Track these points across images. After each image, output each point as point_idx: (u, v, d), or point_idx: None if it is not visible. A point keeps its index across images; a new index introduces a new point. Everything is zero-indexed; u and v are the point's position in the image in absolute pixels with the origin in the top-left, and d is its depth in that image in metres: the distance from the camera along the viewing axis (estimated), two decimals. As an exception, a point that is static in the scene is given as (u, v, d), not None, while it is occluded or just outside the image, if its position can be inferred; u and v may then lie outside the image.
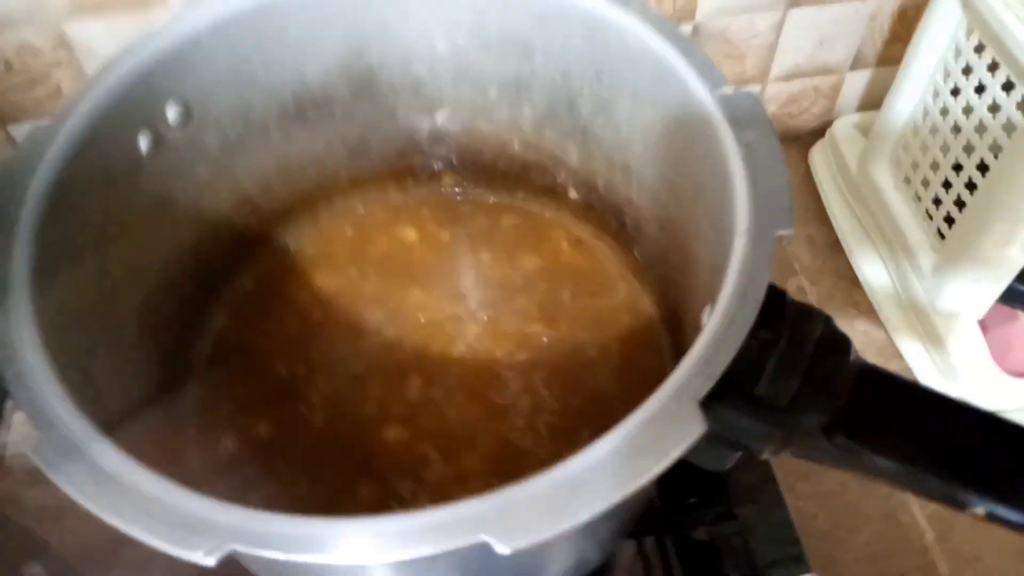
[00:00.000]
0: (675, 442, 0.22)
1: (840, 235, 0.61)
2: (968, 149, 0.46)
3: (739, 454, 0.27)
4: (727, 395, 0.24)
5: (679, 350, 0.37)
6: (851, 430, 0.24)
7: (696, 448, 0.25)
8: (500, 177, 0.43)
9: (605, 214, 0.41)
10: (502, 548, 0.21)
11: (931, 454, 0.24)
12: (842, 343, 0.25)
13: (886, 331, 0.57)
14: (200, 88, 0.34)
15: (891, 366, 0.55)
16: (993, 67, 0.43)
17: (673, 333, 0.38)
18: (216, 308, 0.41)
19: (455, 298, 0.42)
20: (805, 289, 0.60)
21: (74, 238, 0.29)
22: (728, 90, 0.29)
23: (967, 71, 0.46)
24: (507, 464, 0.36)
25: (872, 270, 0.57)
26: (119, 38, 0.31)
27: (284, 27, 0.35)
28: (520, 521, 0.21)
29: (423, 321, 0.41)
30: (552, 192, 0.42)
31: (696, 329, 0.25)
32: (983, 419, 0.24)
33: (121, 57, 0.31)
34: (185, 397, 0.38)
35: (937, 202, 0.50)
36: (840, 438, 0.24)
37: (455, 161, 0.43)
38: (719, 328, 0.24)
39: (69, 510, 0.21)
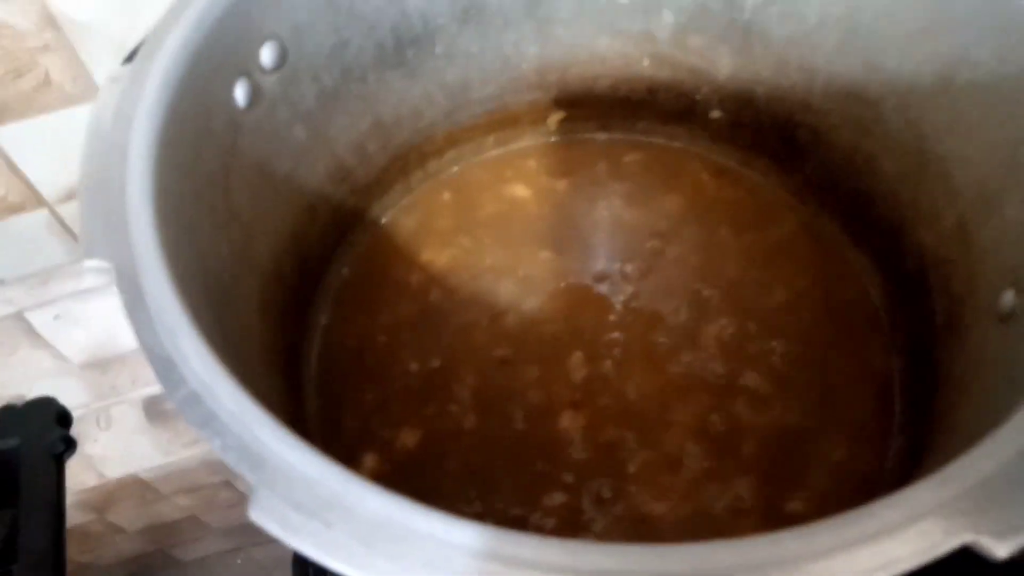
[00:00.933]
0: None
1: None
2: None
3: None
4: None
5: (897, 273, 0.31)
6: None
7: None
8: (618, 108, 0.37)
9: (762, 131, 0.34)
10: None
11: None
12: None
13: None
14: (295, 22, 0.27)
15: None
16: None
17: (882, 256, 0.32)
18: (318, 303, 0.33)
19: (593, 255, 0.35)
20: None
21: (183, 201, 0.22)
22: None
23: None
24: (721, 439, 0.30)
25: None
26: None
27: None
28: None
29: (563, 286, 0.34)
30: (685, 116, 0.36)
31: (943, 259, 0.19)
32: None
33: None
34: (306, 415, 0.31)
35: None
36: None
37: (562, 98, 0.37)
38: None
39: None
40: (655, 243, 0.35)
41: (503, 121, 0.37)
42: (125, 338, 0.56)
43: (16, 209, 0.44)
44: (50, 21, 0.38)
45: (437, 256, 0.35)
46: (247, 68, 0.25)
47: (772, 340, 0.32)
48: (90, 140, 0.21)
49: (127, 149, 0.20)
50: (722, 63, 0.33)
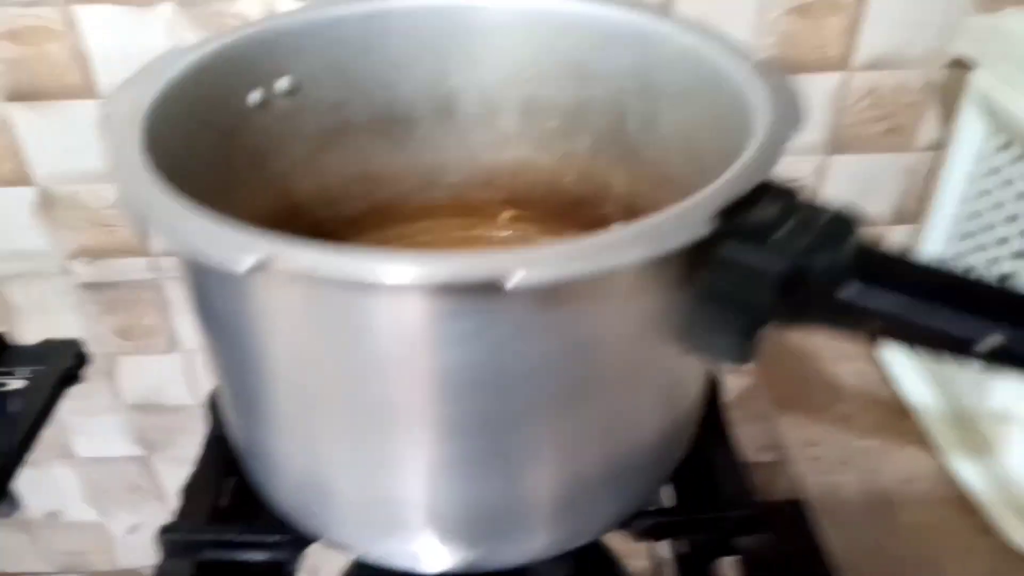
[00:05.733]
0: (685, 233, 0.24)
1: (887, 367, 0.61)
2: (1002, 241, 0.49)
3: (755, 339, 0.27)
4: (742, 233, 0.26)
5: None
6: (863, 274, 0.25)
7: (709, 314, 0.26)
8: (552, 214, 0.47)
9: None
10: (514, 280, 0.22)
11: (942, 291, 0.24)
12: (852, 219, 0.27)
13: (936, 457, 0.55)
14: (310, 71, 0.41)
15: (945, 493, 0.53)
16: (1017, 160, 0.47)
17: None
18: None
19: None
20: (851, 416, 0.60)
21: (181, 133, 0.34)
22: (755, 57, 0.34)
23: (995, 171, 0.50)
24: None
25: (918, 390, 0.57)
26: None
27: (386, 38, 0.42)
28: (542, 260, 0.23)
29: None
30: (599, 224, 0.46)
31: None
32: (993, 287, 0.25)
33: (256, 23, 0.38)
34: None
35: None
36: (854, 282, 0.25)
37: (513, 198, 0.48)
38: (738, 169, 0.27)
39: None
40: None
41: (465, 208, 0.49)
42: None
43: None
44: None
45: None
46: (266, 83, 0.39)
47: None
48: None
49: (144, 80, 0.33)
50: (620, 180, 0.44)
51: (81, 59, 0.58)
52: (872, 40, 0.58)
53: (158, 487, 0.79)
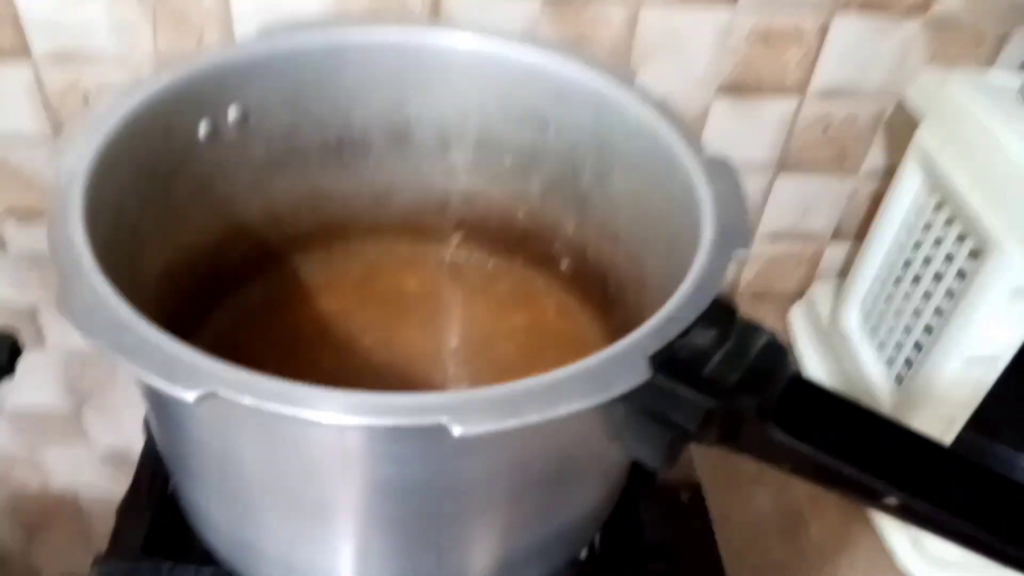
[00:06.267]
0: (623, 381, 0.25)
1: (810, 384, 0.64)
2: (927, 295, 0.51)
3: (682, 445, 0.29)
4: (676, 368, 0.27)
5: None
6: (781, 417, 0.27)
7: (639, 426, 0.27)
8: (502, 243, 0.48)
9: (591, 283, 0.45)
10: (457, 430, 0.23)
11: (852, 447, 0.26)
12: (782, 351, 0.28)
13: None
14: (262, 101, 0.40)
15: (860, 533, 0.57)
16: (949, 221, 0.49)
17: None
18: (225, 309, 0.44)
19: (443, 337, 0.45)
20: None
21: (127, 171, 0.33)
22: (706, 154, 0.34)
23: (927, 227, 0.52)
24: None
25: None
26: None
27: (342, 70, 0.41)
28: (478, 412, 0.23)
29: (407, 353, 0.44)
30: (546, 261, 0.47)
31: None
32: (903, 431, 0.27)
33: (202, 55, 0.37)
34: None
35: (899, 347, 0.54)
36: (771, 424, 0.27)
37: (464, 224, 0.48)
38: (673, 309, 0.27)
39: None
40: (488, 343, 0.45)
41: (416, 229, 0.48)
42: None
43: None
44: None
45: (328, 305, 0.46)
46: (213, 114, 0.38)
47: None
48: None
49: (92, 129, 0.32)
50: (569, 225, 0.44)
51: (13, 21, 0.54)
52: (829, 70, 0.59)
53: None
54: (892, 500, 0.25)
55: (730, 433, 0.28)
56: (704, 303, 0.28)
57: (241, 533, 0.32)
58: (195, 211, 0.39)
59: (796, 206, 0.67)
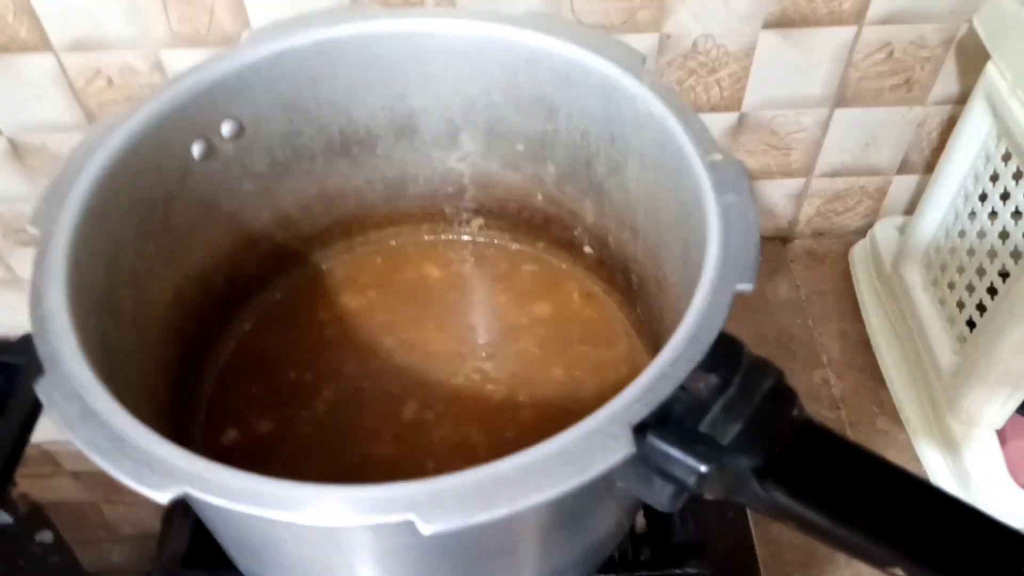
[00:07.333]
0: (602, 458, 0.24)
1: (871, 333, 0.61)
2: (991, 255, 0.47)
3: (684, 494, 0.27)
4: (669, 427, 0.25)
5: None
6: (782, 477, 0.25)
7: (637, 477, 0.26)
8: (524, 227, 0.46)
9: (615, 270, 0.43)
10: (426, 529, 0.22)
11: (862, 507, 0.24)
12: (789, 397, 0.26)
13: (907, 432, 0.56)
14: (255, 111, 0.38)
15: (908, 467, 0.55)
16: (1018, 175, 0.44)
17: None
18: (246, 313, 0.44)
19: (464, 333, 0.44)
20: (830, 382, 0.60)
21: (118, 215, 0.33)
22: (717, 156, 0.31)
23: (995, 178, 0.47)
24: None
25: (898, 370, 0.57)
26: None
27: (337, 67, 0.39)
28: (447, 508, 0.23)
29: (430, 351, 0.43)
30: (569, 245, 0.45)
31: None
32: (915, 485, 0.25)
33: (188, 73, 0.35)
34: (199, 386, 0.41)
35: (960, 305, 0.50)
36: (770, 484, 0.25)
37: (483, 209, 0.46)
38: (664, 364, 0.26)
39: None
40: (513, 336, 0.44)
41: (434, 216, 0.47)
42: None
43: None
44: (158, 67, 0.52)
45: (350, 302, 0.45)
46: (207, 134, 0.37)
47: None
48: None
49: (82, 166, 0.31)
50: (588, 212, 0.42)
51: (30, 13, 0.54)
52: (890, -7, 0.53)
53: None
54: (899, 571, 0.24)
55: (734, 490, 0.26)
56: (699, 354, 0.26)
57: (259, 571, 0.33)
58: (201, 232, 0.39)
59: (857, 140, 0.62)
